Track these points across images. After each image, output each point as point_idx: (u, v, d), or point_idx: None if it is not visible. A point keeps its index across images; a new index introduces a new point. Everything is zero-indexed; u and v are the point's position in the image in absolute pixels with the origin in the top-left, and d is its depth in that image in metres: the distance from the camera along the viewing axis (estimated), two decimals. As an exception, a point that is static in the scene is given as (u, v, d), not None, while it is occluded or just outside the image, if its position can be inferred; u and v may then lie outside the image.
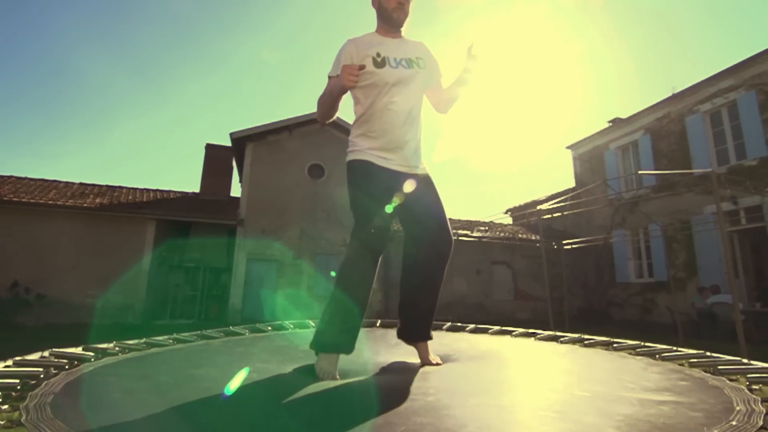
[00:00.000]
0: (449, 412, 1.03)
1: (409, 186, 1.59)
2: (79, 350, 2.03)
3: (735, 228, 10.75)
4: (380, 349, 2.11)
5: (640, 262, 14.16)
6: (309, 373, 1.46)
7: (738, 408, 1.06)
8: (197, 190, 14.23)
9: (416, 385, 1.28)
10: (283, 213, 12.60)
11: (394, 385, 1.36)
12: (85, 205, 10.78)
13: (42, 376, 1.49)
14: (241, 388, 1.27)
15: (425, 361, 1.64)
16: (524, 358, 1.93)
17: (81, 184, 12.91)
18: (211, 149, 14.23)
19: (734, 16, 56.74)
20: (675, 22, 61.28)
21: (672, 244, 12.32)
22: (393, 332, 1.99)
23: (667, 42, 62.12)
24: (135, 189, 13.45)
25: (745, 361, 1.76)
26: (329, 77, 1.66)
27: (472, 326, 2.99)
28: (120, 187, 13.27)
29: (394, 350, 1.99)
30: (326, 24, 74.34)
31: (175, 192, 14.08)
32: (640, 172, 9.40)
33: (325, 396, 1.21)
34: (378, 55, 1.62)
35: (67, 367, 1.70)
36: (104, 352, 2.02)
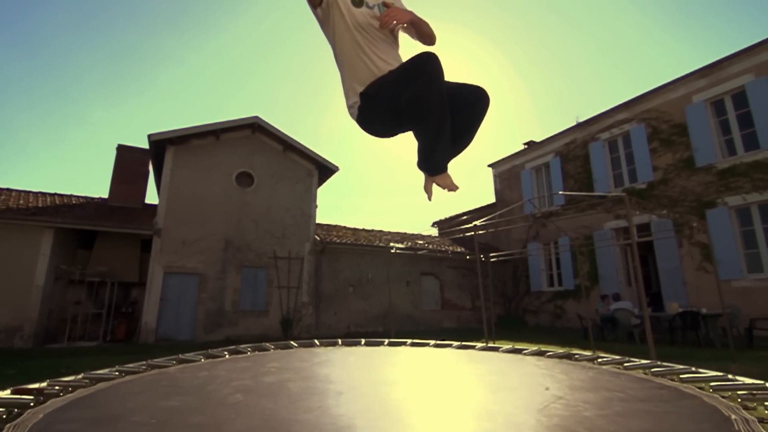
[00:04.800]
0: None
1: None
2: (7, 394, 1.68)
3: (628, 242, 12.26)
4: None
5: (551, 273, 15.54)
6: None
7: (734, 417, 1.20)
8: (105, 195, 12.75)
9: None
10: (207, 222, 11.78)
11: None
12: (-41, 209, 9.10)
13: (-21, 433, 1.21)
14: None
15: (452, 187, 1.61)
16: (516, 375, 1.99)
17: (-47, 184, 10.89)
18: (123, 151, 12.85)
19: (629, 54, 65.80)
20: (579, 58, 69.35)
21: (578, 256, 13.71)
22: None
23: (573, 74, 69.96)
24: (27, 192, 11.64)
25: (693, 369, 2.00)
26: None
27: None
28: (8, 190, 11.40)
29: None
30: (258, 32, 71.91)
31: (77, 197, 12.45)
32: (560, 192, 10.41)
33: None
34: None
35: (5, 416, 1.40)
36: (42, 394, 1.70)
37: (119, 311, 11.36)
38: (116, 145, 12.99)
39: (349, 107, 1.61)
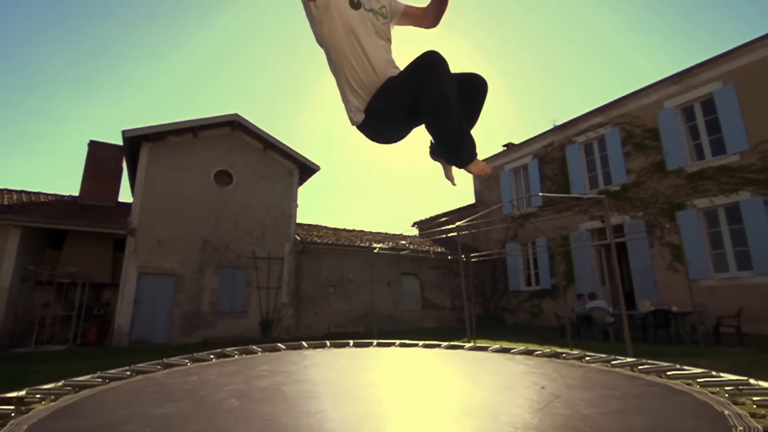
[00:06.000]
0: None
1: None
2: (-17, 403, 1.59)
3: (604, 243, 12.64)
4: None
5: (529, 272, 15.84)
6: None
7: (726, 413, 1.24)
8: (76, 193, 12.28)
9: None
10: (184, 222, 11.48)
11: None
12: None
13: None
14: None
15: (485, 170, 1.61)
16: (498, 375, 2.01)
17: None
18: (96, 147, 12.40)
19: (606, 59, 67.71)
20: (557, 61, 70.92)
21: (555, 256, 14.02)
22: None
23: (551, 77, 71.50)
24: (-9, 189, 11.13)
25: (678, 366, 2.07)
26: None
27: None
28: (-31, 187, 10.84)
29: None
30: (238, 28, 70.47)
31: (46, 195, 11.94)
32: (540, 194, 10.59)
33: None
34: None
35: (-15, 428, 1.32)
36: (23, 402, 1.62)
37: (90, 313, 10.95)
38: (88, 141, 12.55)
39: (353, 120, 1.59)
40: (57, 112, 57.83)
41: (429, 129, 1.51)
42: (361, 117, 1.56)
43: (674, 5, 52.10)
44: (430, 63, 1.36)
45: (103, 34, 55.23)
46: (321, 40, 1.58)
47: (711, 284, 10.19)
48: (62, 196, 12.29)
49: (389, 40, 1.70)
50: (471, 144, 1.52)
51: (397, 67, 1.64)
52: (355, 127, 1.66)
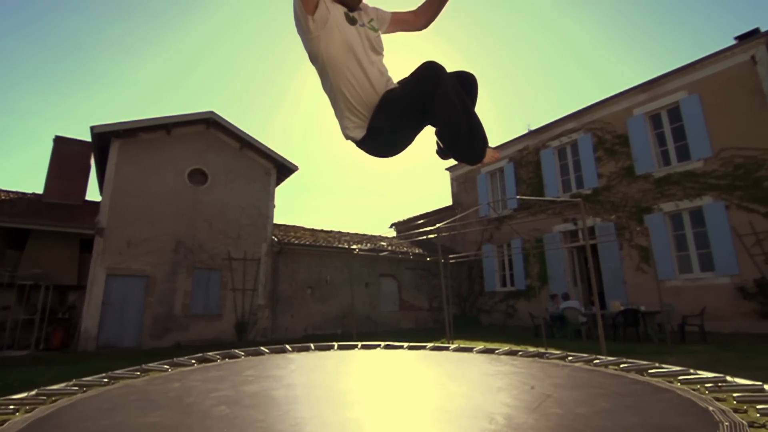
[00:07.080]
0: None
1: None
2: (-49, 415, 1.49)
3: (576, 244, 13.01)
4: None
5: (504, 274, 16.12)
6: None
7: (711, 409, 1.30)
8: (40, 191, 11.71)
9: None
10: (156, 222, 11.12)
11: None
12: None
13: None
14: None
15: (495, 156, 1.74)
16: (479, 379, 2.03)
17: None
18: (62, 143, 11.85)
19: (578, 66, 69.68)
20: (532, 67, 72.54)
21: (529, 257, 14.33)
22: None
23: (525, 83, 73.01)
24: (-54, 186, 10.48)
25: (657, 364, 2.15)
26: None
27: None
28: None
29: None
30: (216, 25, 68.72)
31: (7, 192, 11.34)
32: (518, 197, 10.80)
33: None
34: (347, 14, 1.56)
35: (-43, 442, 1.23)
36: (-6, 414, 1.52)
37: (55, 317, 10.45)
38: (53, 137, 12.00)
39: (349, 137, 1.57)
40: (20, 106, 55.07)
41: (440, 135, 1.52)
42: (360, 134, 1.54)
43: (647, 14, 54.28)
44: (434, 75, 1.37)
45: (74, 29, 52.98)
46: (316, 57, 1.52)
47: (676, 285, 10.64)
48: (24, 194, 11.70)
49: (383, 51, 1.69)
50: (482, 141, 1.53)
51: (391, 79, 1.63)
52: (345, 137, 1.61)
